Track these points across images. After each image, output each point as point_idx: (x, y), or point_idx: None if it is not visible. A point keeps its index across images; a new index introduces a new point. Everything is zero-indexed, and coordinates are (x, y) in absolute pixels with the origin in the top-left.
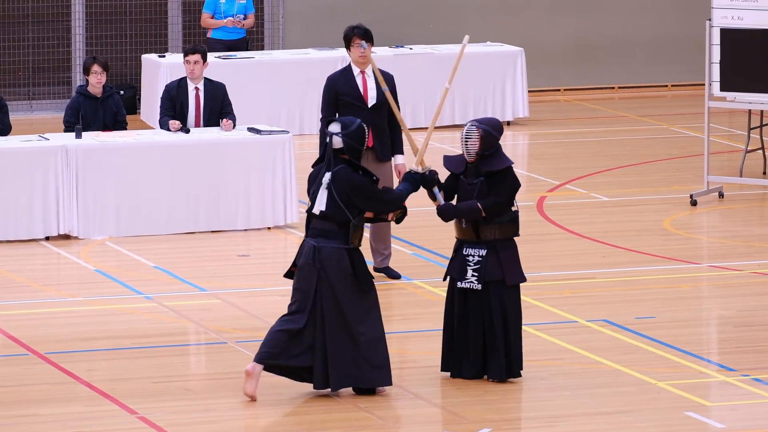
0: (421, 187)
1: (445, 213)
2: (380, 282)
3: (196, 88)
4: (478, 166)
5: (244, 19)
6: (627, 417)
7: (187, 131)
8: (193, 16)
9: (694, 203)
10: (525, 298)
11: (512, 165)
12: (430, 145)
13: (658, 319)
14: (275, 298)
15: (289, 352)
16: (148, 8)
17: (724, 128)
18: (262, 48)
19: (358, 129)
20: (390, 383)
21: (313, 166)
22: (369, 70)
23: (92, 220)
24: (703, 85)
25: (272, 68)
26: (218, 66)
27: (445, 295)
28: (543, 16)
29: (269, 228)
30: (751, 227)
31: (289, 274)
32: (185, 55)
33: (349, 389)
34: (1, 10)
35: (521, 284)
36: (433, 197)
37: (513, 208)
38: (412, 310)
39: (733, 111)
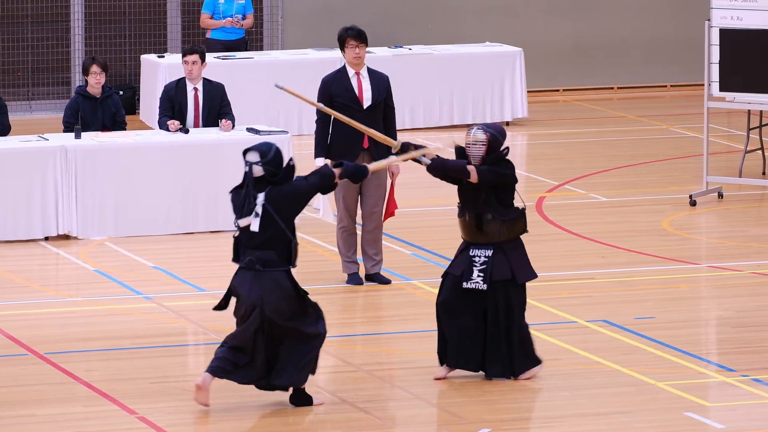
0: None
1: (435, 168)
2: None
3: (195, 89)
4: None
5: (243, 19)
6: (626, 417)
7: (186, 131)
8: (192, 16)
9: (693, 203)
10: None
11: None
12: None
13: (657, 320)
14: None
15: (237, 368)
16: (147, 9)
17: (723, 128)
18: (261, 48)
19: (276, 154)
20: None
21: (231, 192)
22: (364, 71)
23: (91, 221)
24: (702, 85)
25: (271, 68)
26: (217, 66)
27: None
28: (541, 17)
29: None
30: (750, 227)
31: (219, 308)
32: (184, 56)
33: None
34: (1, 11)
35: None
36: (418, 161)
37: (520, 206)
38: (410, 311)
39: (732, 111)
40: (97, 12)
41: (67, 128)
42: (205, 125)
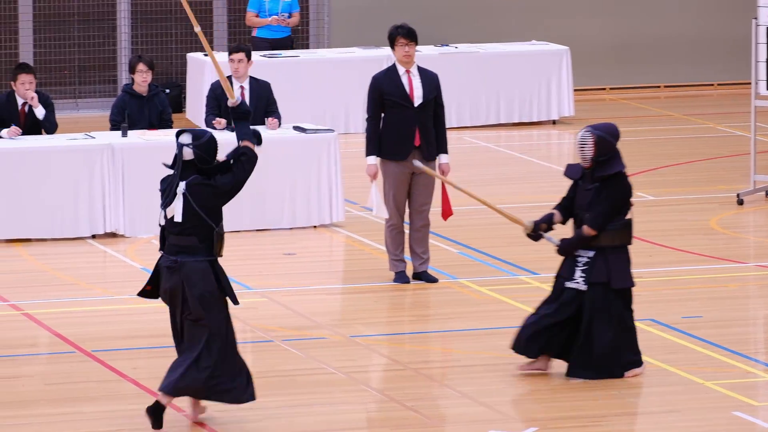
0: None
1: (565, 251)
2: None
3: (241, 87)
4: (593, 171)
5: (289, 17)
6: (673, 417)
7: (233, 130)
8: (238, 14)
9: (740, 202)
10: None
11: (623, 169)
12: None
13: (705, 319)
14: (321, 297)
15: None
16: (193, 7)
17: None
18: (307, 47)
19: (210, 141)
20: (238, 401)
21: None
22: (414, 69)
23: (138, 218)
24: (749, 83)
25: (317, 67)
26: (263, 65)
27: (491, 294)
28: (588, 15)
29: (315, 227)
30: None
31: (143, 293)
32: (230, 54)
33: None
34: (48, 9)
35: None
36: (540, 238)
37: (627, 216)
38: (458, 309)
39: None
40: (143, 10)
41: (114, 126)
42: (251, 123)
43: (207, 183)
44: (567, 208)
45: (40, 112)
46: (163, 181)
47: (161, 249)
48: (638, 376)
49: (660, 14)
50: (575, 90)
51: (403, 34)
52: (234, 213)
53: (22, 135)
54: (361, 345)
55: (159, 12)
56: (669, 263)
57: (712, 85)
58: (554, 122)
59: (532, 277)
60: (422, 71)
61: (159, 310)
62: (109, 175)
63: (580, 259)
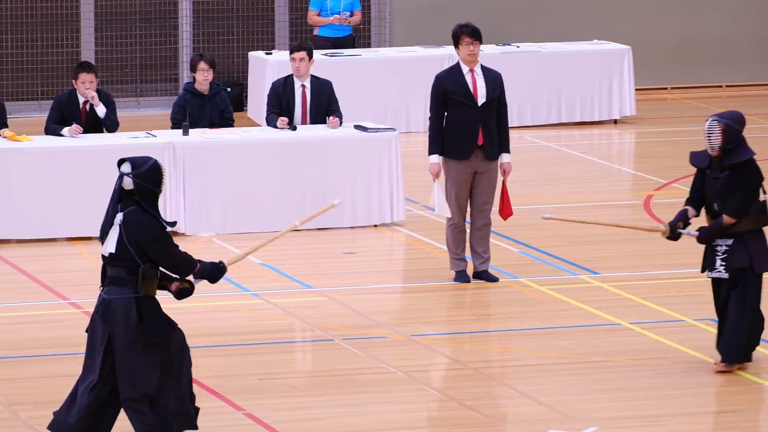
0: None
1: (704, 240)
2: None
3: (303, 86)
4: (722, 160)
5: (351, 16)
6: (734, 417)
7: (294, 128)
8: (299, 13)
9: None
10: (632, 297)
11: (754, 156)
12: None
13: (766, 319)
14: (381, 296)
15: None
16: (255, 5)
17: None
18: (368, 45)
19: (152, 169)
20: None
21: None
22: (478, 68)
23: (199, 217)
24: None
25: (379, 66)
26: (325, 63)
27: (551, 293)
28: (649, 14)
29: (375, 226)
30: None
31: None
32: (291, 53)
33: None
34: (109, 8)
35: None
36: (679, 237)
37: (760, 198)
38: (518, 308)
39: None
40: (205, 9)
41: (175, 125)
42: (312, 122)
43: (140, 220)
44: (698, 200)
45: (101, 110)
46: (108, 207)
47: (101, 283)
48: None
49: (722, 13)
50: (637, 89)
51: (467, 33)
52: (296, 212)
53: (83, 133)
54: (421, 344)
55: (220, 10)
56: None
57: None
58: (615, 122)
59: (593, 277)
60: (486, 70)
61: (219, 308)
62: (170, 174)
63: (719, 248)
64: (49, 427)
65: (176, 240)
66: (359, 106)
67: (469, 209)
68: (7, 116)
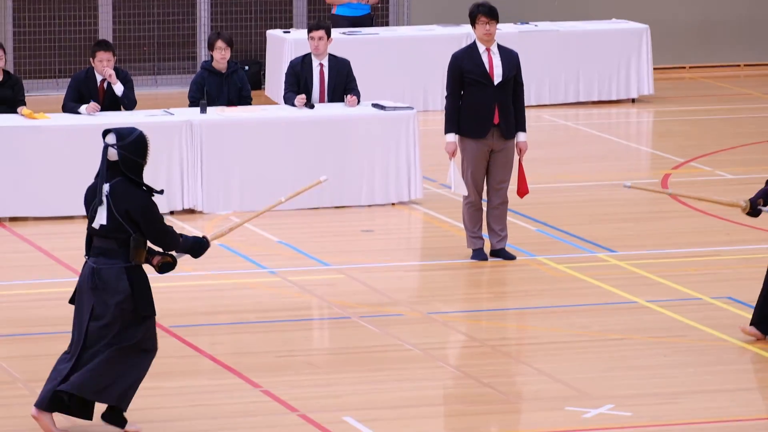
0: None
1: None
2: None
3: (321, 64)
4: None
5: None
6: (750, 395)
7: (312, 107)
8: None
9: None
10: (649, 275)
11: None
12: None
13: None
14: (399, 274)
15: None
16: None
17: None
18: (386, 24)
19: (136, 140)
20: (112, 403)
21: (95, 178)
22: (494, 48)
23: (216, 195)
24: None
25: (397, 44)
26: (343, 42)
27: (568, 271)
28: None
29: (393, 204)
30: None
31: (72, 299)
32: (309, 31)
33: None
34: None
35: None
36: (759, 214)
37: None
38: (535, 287)
39: None
40: None
41: (193, 103)
42: (330, 101)
43: (127, 190)
44: None
45: (118, 88)
46: (93, 181)
47: (87, 253)
48: None
49: None
50: (655, 68)
51: (484, 12)
52: (313, 190)
53: (100, 111)
54: (438, 322)
55: None
56: (747, 241)
57: None
58: (633, 101)
59: (610, 255)
60: (502, 49)
61: (238, 286)
62: (187, 152)
63: None
64: (36, 405)
65: (193, 218)
66: (377, 85)
67: (485, 188)
68: (25, 94)
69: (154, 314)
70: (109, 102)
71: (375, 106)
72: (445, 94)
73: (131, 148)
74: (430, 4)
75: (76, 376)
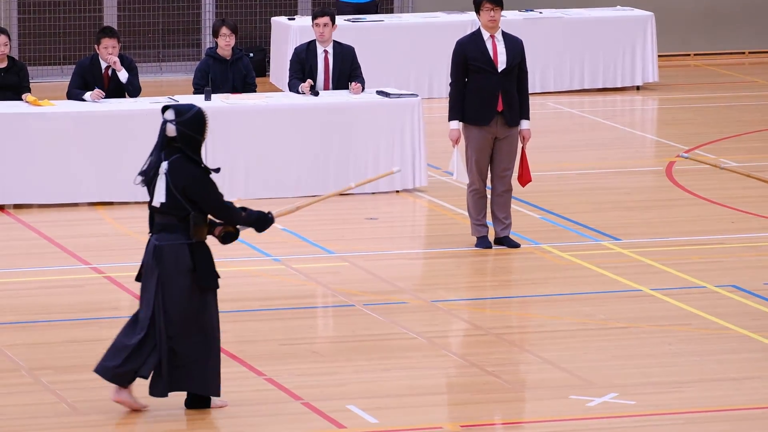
0: None
1: None
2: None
3: (325, 51)
4: None
5: None
6: (755, 383)
7: (316, 94)
8: None
9: None
10: (653, 264)
11: None
12: None
13: None
14: (403, 262)
15: (137, 362)
16: None
17: None
18: (391, 11)
19: (195, 116)
20: (212, 394)
21: (150, 154)
22: (498, 35)
23: (221, 182)
24: None
25: (402, 31)
26: (347, 29)
27: (573, 259)
28: None
29: (398, 191)
30: None
31: (139, 277)
32: (314, 18)
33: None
34: None
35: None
36: None
37: None
38: (540, 275)
39: None
40: None
41: (197, 90)
42: (335, 88)
43: (185, 167)
44: None
45: (123, 75)
46: (150, 158)
47: (150, 230)
48: None
49: None
50: (660, 56)
51: None
52: (318, 177)
53: (105, 98)
54: (442, 310)
55: None
56: (751, 229)
57: None
58: (638, 88)
59: (614, 243)
60: (507, 36)
61: (242, 274)
62: None
63: None
64: (95, 370)
65: None
66: (382, 72)
67: (489, 175)
68: (30, 81)
69: (217, 287)
70: (114, 89)
71: (379, 93)
72: (450, 81)
73: (189, 124)
74: None
75: (182, 375)
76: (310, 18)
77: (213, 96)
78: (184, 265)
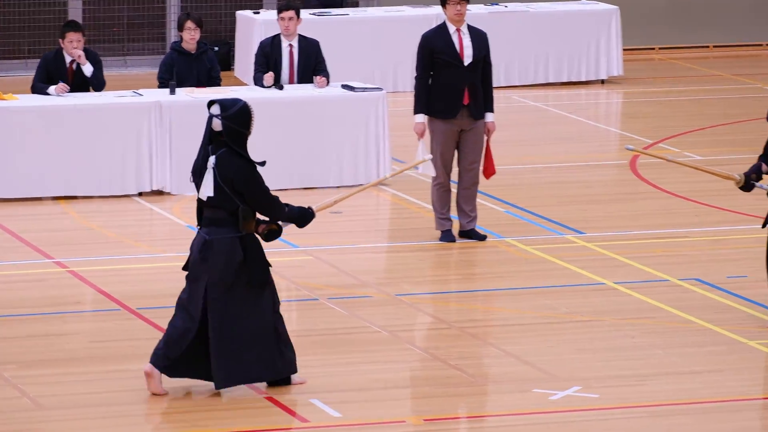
0: None
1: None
2: (473, 240)
3: (290, 45)
4: None
5: None
6: (718, 376)
7: (281, 88)
8: None
9: None
10: (617, 257)
11: None
12: None
13: (750, 279)
14: (367, 255)
15: (182, 351)
16: None
17: None
18: (356, 5)
19: (240, 111)
20: (280, 375)
21: (200, 148)
22: (464, 28)
23: (185, 176)
24: None
25: (367, 25)
26: (312, 23)
27: (537, 253)
28: None
29: (362, 185)
30: None
31: (186, 266)
32: (279, 12)
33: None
34: None
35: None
36: (752, 188)
37: None
38: (503, 268)
39: None
40: None
41: (162, 84)
42: (299, 82)
43: (232, 161)
44: None
45: (88, 69)
46: (199, 152)
47: (198, 223)
48: None
49: None
50: (624, 49)
51: None
52: (282, 171)
53: (69, 92)
54: (406, 303)
55: None
56: (715, 223)
57: (762, 45)
58: (603, 82)
59: (578, 236)
60: (472, 30)
61: None
62: (156, 133)
63: None
64: (151, 361)
65: (162, 199)
66: (347, 66)
67: (456, 168)
68: None
69: (270, 280)
70: (78, 83)
71: (344, 87)
72: (415, 74)
73: (235, 119)
74: None
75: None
76: (275, 12)
77: (177, 90)
78: (235, 259)
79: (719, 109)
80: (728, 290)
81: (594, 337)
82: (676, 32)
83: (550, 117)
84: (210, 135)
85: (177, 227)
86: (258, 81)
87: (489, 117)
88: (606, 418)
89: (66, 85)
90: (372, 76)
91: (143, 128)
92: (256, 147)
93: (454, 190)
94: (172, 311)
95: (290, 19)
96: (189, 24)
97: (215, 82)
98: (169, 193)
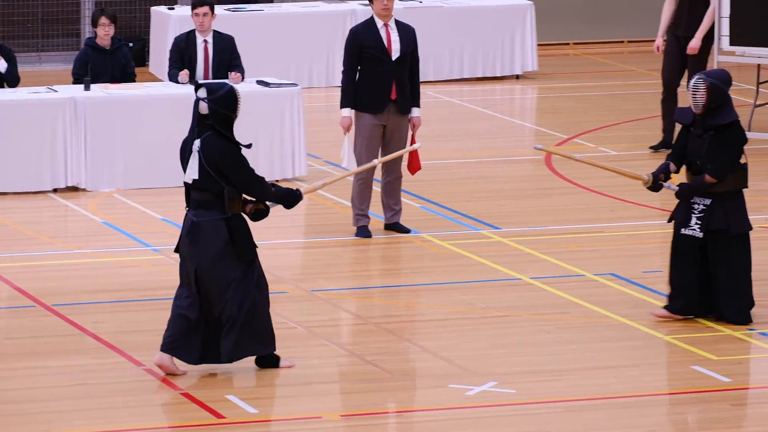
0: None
1: (684, 196)
2: (389, 236)
3: (205, 41)
4: (705, 119)
5: None
6: (634, 371)
7: (198, 86)
8: None
9: None
10: (533, 252)
11: (737, 119)
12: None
13: (665, 274)
14: (285, 251)
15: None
16: None
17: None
18: (271, 0)
19: (226, 94)
20: (266, 352)
21: (189, 132)
22: (392, 23)
23: (100, 173)
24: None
25: (281, 21)
26: (227, 18)
27: (453, 248)
28: None
29: (277, 180)
30: (759, 182)
31: (177, 249)
32: (194, 8)
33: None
34: None
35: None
36: (660, 188)
37: (742, 161)
38: (420, 264)
39: (741, 65)
40: None
41: (77, 80)
42: (214, 78)
43: (216, 144)
44: (680, 156)
45: (2, 65)
46: (187, 136)
47: (186, 206)
48: None
49: None
50: (539, 45)
51: None
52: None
53: None
54: (322, 299)
55: None
56: (630, 218)
57: None
58: (517, 77)
59: (494, 232)
60: (400, 25)
61: (121, 264)
62: (71, 129)
63: (696, 206)
64: (161, 349)
65: (77, 195)
66: (261, 62)
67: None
68: None
69: (256, 256)
70: None
71: (259, 82)
72: (342, 69)
73: (221, 102)
74: None
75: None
76: (189, 8)
77: (92, 86)
78: (222, 239)
79: (634, 104)
80: (644, 285)
81: (510, 332)
82: (591, 27)
83: (465, 112)
84: (197, 118)
85: (92, 223)
86: (173, 77)
87: (415, 112)
88: (522, 413)
89: None
90: (287, 71)
91: (58, 124)
92: (171, 143)
93: (376, 188)
94: (89, 307)
95: (205, 14)
96: (103, 20)
97: (130, 78)
98: (84, 189)
